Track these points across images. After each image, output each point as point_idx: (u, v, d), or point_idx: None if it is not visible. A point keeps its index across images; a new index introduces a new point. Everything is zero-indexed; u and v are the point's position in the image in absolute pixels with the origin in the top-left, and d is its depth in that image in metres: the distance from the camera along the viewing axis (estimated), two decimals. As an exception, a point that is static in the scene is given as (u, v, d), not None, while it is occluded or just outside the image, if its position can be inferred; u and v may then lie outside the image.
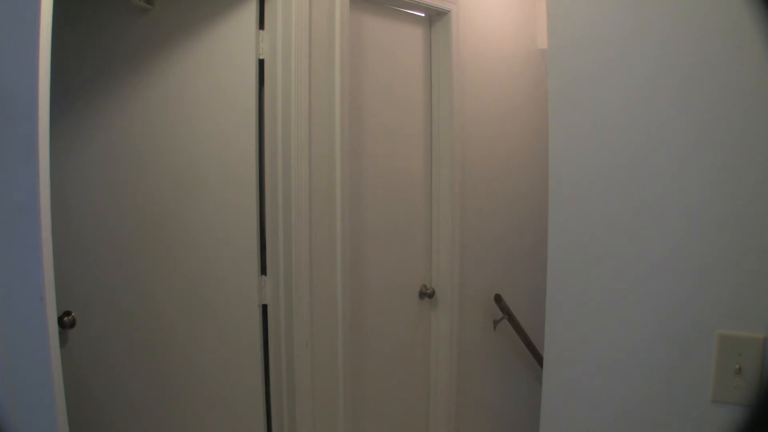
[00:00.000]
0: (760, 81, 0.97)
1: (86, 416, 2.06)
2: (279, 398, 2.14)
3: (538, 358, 2.93)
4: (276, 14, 2.04)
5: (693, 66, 1.05)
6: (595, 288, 1.18)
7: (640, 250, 1.11)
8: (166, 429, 2.20)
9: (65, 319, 2.03)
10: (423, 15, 2.62)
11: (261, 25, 2.08)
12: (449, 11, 2.59)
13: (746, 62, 0.99)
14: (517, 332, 2.96)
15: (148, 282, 2.18)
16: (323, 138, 2.14)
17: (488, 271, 2.91)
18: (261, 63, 2.08)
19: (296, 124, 2.05)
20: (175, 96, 2.14)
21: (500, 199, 2.95)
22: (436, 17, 2.62)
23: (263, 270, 2.12)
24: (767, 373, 0.99)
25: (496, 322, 2.92)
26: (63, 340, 2.02)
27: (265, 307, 2.14)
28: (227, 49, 2.09)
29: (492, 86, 2.87)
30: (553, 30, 1.21)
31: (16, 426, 1.19)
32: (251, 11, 2.05)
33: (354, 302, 2.34)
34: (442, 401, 2.73)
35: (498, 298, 2.91)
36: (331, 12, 2.14)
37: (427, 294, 2.70)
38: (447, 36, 2.60)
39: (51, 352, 1.26)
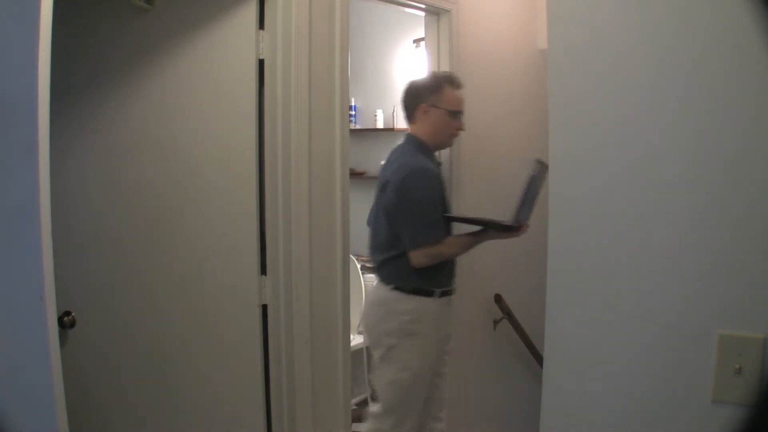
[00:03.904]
0: (763, 83, 0.97)
1: (86, 416, 2.05)
2: (279, 398, 2.14)
3: (538, 358, 2.93)
4: (276, 14, 2.04)
5: (695, 67, 1.05)
6: (594, 288, 1.17)
7: (640, 250, 1.11)
8: (166, 428, 2.19)
9: (65, 319, 2.03)
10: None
11: (261, 25, 2.07)
12: (449, 11, 2.59)
13: (749, 65, 0.99)
14: (517, 332, 2.96)
15: (148, 282, 2.18)
16: (323, 138, 2.14)
17: (488, 271, 2.91)
18: (261, 63, 2.08)
19: (296, 124, 2.05)
20: (175, 96, 2.14)
21: (500, 199, 2.95)
22: (436, 16, 2.62)
23: (263, 270, 2.12)
24: (767, 373, 0.99)
25: (496, 322, 2.92)
26: (63, 340, 2.01)
27: (265, 307, 2.14)
28: (227, 49, 2.09)
29: (492, 86, 2.87)
30: (553, 30, 1.21)
31: (16, 426, 1.19)
32: (251, 11, 2.05)
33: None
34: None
35: (498, 298, 2.92)
36: (332, 12, 2.14)
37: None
38: (447, 35, 2.60)
39: (51, 352, 1.26)
